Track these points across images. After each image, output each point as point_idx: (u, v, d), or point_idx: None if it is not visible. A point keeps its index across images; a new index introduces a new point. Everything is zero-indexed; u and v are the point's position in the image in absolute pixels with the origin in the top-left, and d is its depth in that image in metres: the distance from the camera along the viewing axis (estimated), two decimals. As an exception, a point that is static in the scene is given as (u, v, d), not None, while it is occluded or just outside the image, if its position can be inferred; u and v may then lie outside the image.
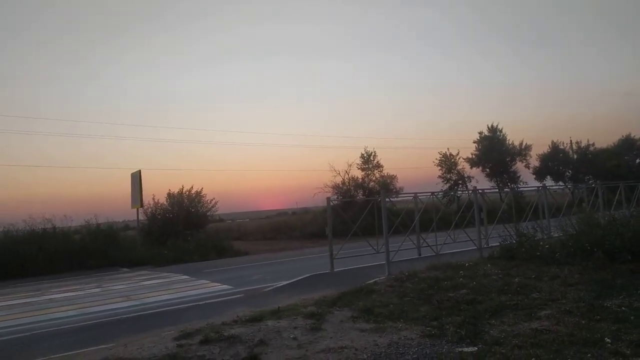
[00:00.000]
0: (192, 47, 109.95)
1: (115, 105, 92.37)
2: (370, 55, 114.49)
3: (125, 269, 17.93)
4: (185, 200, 25.06)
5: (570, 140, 42.39)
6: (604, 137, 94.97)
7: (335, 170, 32.55)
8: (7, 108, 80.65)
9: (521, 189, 30.68)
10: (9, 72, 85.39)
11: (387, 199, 11.41)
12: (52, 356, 6.09)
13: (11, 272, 17.03)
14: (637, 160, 42.46)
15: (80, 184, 77.41)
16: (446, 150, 37.45)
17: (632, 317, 5.14)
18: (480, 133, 38.88)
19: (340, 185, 32.17)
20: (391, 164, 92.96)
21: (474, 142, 38.94)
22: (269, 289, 10.48)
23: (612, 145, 43.10)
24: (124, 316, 8.75)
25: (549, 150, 41.05)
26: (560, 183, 38.71)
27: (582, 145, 41.66)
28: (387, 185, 31.49)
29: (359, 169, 33.41)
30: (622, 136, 43.52)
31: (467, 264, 9.68)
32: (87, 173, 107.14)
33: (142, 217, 23.47)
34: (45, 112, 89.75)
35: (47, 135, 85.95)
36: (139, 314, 8.91)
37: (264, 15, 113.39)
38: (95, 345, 6.45)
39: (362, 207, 22.58)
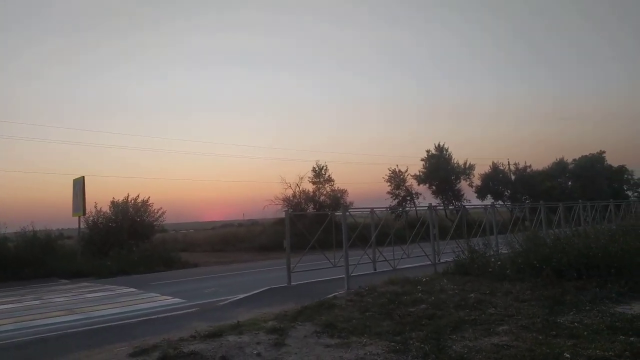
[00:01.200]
0: (145, 52, 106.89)
1: (57, 108, 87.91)
2: (323, 69, 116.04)
3: (64, 280, 16.86)
4: (131, 209, 24.10)
5: (509, 162, 44.81)
6: (539, 159, 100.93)
7: (287, 183, 32.49)
8: None
9: (470, 206, 31.98)
10: None
11: (347, 213, 11.48)
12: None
13: None
14: (570, 183, 45.44)
15: (15, 189, 72.63)
16: (395, 166, 38.44)
17: (585, 333, 5.41)
18: (428, 151, 40.30)
19: (291, 198, 32.09)
20: (341, 178, 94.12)
21: (422, 160, 40.29)
22: (224, 302, 10.19)
23: (547, 167, 45.94)
24: (69, 331, 8.16)
25: (490, 170, 43.12)
26: (500, 202, 40.66)
27: (520, 166, 44.16)
28: (338, 200, 31.77)
29: (310, 182, 33.54)
30: (556, 159, 46.59)
31: (424, 279, 9.89)
32: (24, 177, 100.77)
33: (83, 225, 22.29)
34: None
35: (-23, 135, 79.96)
36: (86, 328, 8.35)
37: (218, 25, 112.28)
38: (40, 363, 6.00)
39: (313, 220, 22.84)
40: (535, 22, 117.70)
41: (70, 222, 22.81)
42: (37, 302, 11.84)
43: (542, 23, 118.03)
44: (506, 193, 43.04)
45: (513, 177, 43.80)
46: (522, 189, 42.35)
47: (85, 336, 7.72)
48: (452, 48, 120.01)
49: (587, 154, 46.65)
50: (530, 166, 44.20)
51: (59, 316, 9.69)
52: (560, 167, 45.79)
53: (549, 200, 24.46)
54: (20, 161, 72.92)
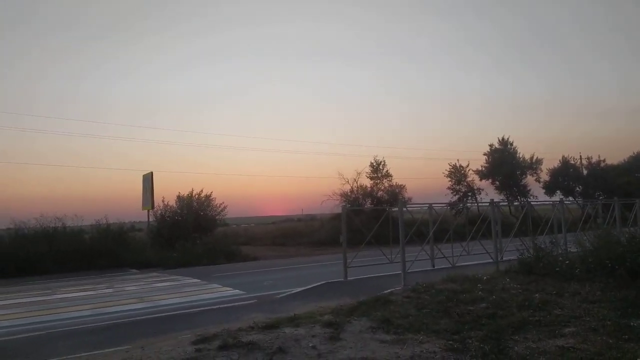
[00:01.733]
0: (208, 48, 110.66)
1: (129, 107, 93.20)
2: (382, 63, 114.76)
3: (134, 270, 17.92)
4: (195, 204, 25.11)
5: (580, 156, 42.17)
6: (614, 154, 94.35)
7: (344, 178, 32.49)
8: (27, 106, 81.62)
9: (536, 202, 30.54)
10: (32, 70, 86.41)
11: (404, 209, 11.32)
12: (68, 356, 6.07)
13: (21, 269, 17.09)
14: (648, 178, 42.11)
15: (92, 184, 77.95)
16: (456, 161, 37.35)
17: (662, 338, 5.04)
18: (491, 145, 38.77)
19: (349, 194, 32.06)
20: (400, 173, 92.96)
21: (484, 155, 38.83)
22: (282, 295, 10.41)
23: (623, 161, 42.79)
24: (139, 318, 8.70)
25: (560, 165, 40.83)
26: (570, 198, 38.44)
27: (593, 161, 41.39)
28: (396, 195, 31.37)
29: (367, 177, 33.33)
30: (633, 153, 43.24)
31: (484, 277, 9.57)
32: (99, 173, 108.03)
33: (151, 219, 23.51)
34: (62, 111, 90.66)
35: (64, 135, 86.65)
36: (154, 316, 8.87)
37: (277, 15, 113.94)
38: (111, 347, 6.42)
39: (370, 215, 22.73)
40: (594, 11, 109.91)
41: (140, 215, 24.14)
42: (110, 290, 12.69)
43: (599, 10, 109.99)
44: (577, 189, 40.56)
45: (585, 172, 41.24)
46: (595, 185, 39.71)
47: (153, 323, 8.18)
48: (521, 39, 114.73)
49: (669, 146, 43.05)
50: (604, 160, 41.31)
51: (129, 304, 10.33)
52: (638, 161, 42.49)
53: (625, 197, 22.82)
54: (95, 158, 78.12)
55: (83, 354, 6.13)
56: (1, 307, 10.50)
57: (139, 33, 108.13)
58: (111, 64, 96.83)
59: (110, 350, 6.23)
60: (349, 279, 11.83)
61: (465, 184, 37.10)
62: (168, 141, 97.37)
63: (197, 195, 25.43)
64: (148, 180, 22.28)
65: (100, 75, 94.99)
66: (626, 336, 5.23)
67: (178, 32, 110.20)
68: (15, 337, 7.61)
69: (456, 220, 20.85)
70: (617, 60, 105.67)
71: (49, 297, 11.80)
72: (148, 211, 22.47)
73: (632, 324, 5.74)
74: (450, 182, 37.13)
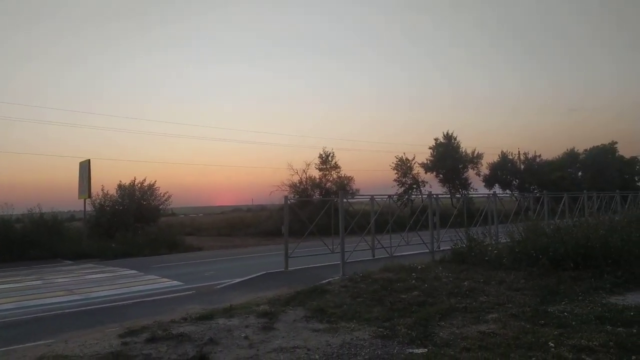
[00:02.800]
0: (152, 35, 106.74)
1: (66, 91, 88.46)
2: (333, 55, 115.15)
3: (69, 262, 17.08)
4: (137, 193, 24.26)
5: (519, 151, 44.22)
6: (549, 150, 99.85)
7: (293, 169, 32.46)
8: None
9: (472, 195, 31.72)
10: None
11: (344, 200, 11.44)
12: (-18, 353, 5.70)
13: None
14: (580, 173, 44.83)
15: (23, 171, 73.57)
16: (402, 154, 38.19)
17: (573, 323, 5.38)
18: (436, 140, 39.89)
19: (298, 184, 32.07)
20: (349, 165, 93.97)
21: (430, 148, 39.92)
22: (221, 286, 10.27)
23: (557, 157, 45.30)
24: (66, 311, 8.29)
25: (499, 159, 42.61)
26: (508, 191, 40.28)
27: (530, 156, 43.53)
28: (344, 186, 31.69)
29: (317, 168, 33.47)
30: (567, 149, 45.89)
31: (419, 267, 9.87)
32: (32, 160, 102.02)
33: (89, 208, 22.51)
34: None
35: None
36: (82, 309, 8.48)
37: (227, 8, 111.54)
38: (33, 341, 6.08)
39: (319, 206, 22.77)
40: (549, 12, 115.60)
41: (78, 204, 23.03)
42: (39, 282, 12.03)
43: (556, 12, 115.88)
44: (514, 183, 42.58)
45: (522, 166, 43.33)
46: (530, 179, 41.86)
47: (81, 316, 7.84)
48: (469, 36, 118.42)
49: (599, 145, 45.93)
50: (540, 156, 43.54)
51: (58, 296, 9.84)
52: (570, 157, 45.13)
53: (558, 191, 24.19)
54: (28, 143, 73.76)
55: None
56: None
57: (82, 17, 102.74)
58: (51, 48, 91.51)
59: (30, 344, 5.91)
60: (289, 269, 11.85)
61: (411, 176, 38.03)
62: (110, 128, 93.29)
63: (139, 184, 24.56)
64: (85, 167, 21.23)
65: (39, 59, 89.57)
66: (542, 321, 5.55)
67: (126, 17, 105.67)
68: None
69: (402, 211, 21.35)
70: (551, 60, 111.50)
71: (-30, 291, 11.04)
72: (85, 200, 21.47)
73: (549, 309, 6.10)
74: (396, 175, 37.97)
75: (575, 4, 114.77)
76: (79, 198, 21.60)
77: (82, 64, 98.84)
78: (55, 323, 7.37)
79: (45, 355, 5.11)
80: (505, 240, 11.81)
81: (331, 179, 33.27)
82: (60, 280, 12.32)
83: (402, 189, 37.47)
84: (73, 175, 22.28)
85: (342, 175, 33.40)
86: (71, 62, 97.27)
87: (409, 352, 4.74)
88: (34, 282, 11.98)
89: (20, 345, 5.91)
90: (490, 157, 45.52)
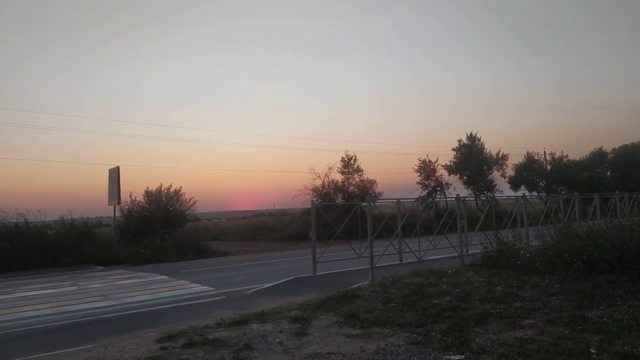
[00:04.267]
0: (177, 43, 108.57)
1: (95, 100, 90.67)
2: (355, 57, 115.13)
3: (100, 267, 17.50)
4: (164, 199, 24.66)
5: (544, 152, 43.40)
6: (576, 150, 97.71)
7: (316, 173, 32.54)
8: (-22, 97, 78.17)
9: (500, 197, 31.35)
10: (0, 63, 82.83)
11: (372, 204, 11.44)
12: (29, 357, 5.89)
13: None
14: (608, 173, 43.74)
15: (55, 178, 75.71)
16: (425, 156, 37.91)
17: (614, 328, 5.26)
18: (460, 141, 39.47)
19: (320, 188, 32.15)
20: (371, 168, 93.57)
21: (453, 150, 39.52)
22: (251, 291, 10.37)
23: (585, 157, 44.30)
24: (103, 316, 8.52)
25: (524, 160, 41.90)
26: (534, 193, 39.57)
27: (556, 156, 42.66)
28: (367, 190, 31.63)
29: (339, 172, 33.48)
30: (594, 149, 44.84)
31: (449, 271, 9.78)
32: (63, 167, 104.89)
33: (118, 214, 22.99)
34: (22, 104, 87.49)
35: (24, 128, 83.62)
36: (118, 314, 8.70)
37: (253, 9, 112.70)
38: (73, 346, 6.26)
39: (342, 210, 22.86)
40: (570, 9, 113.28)
41: (107, 210, 23.55)
42: (74, 287, 12.37)
43: (577, 10, 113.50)
44: (541, 184, 41.75)
45: (549, 167, 42.48)
46: (558, 180, 40.97)
47: (117, 322, 8.03)
48: (487, 37, 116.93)
49: (628, 144, 44.71)
50: (567, 156, 42.62)
51: (94, 302, 10.10)
52: (598, 157, 44.09)
53: (586, 192, 23.67)
54: (58, 152, 75.83)
55: (43, 354, 5.96)
56: (-43, 307, 10.11)
57: (111, 28, 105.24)
58: (80, 58, 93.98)
59: (72, 349, 6.08)
60: (317, 274, 11.89)
61: (434, 178, 37.71)
62: (137, 135, 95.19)
63: (165, 190, 24.97)
64: (114, 174, 21.74)
65: (68, 69, 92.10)
66: (581, 327, 5.44)
67: (150, 27, 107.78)
68: (-29, 338, 7.34)
69: (425, 214, 21.19)
70: (581, 59, 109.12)
71: (9, 296, 11.42)
72: (114, 207, 21.95)
73: (587, 315, 5.98)
74: (419, 177, 37.70)
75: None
76: (108, 204, 22.09)
77: (111, 72, 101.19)
78: (94, 328, 7.56)
79: (87, 360, 5.25)
80: (536, 244, 11.61)
81: (354, 182, 33.25)
82: (94, 285, 12.63)
83: (426, 191, 37.18)
84: (102, 182, 22.85)
85: (365, 178, 33.38)
86: (99, 71, 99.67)
87: (446, 359, 4.71)
88: (69, 288, 12.32)
89: (62, 351, 6.07)
90: (516, 158, 44.73)
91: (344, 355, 4.97)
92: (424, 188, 37.45)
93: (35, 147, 72.80)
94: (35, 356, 5.91)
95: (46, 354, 6.01)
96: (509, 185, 40.57)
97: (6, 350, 6.44)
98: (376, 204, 13.12)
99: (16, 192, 60.56)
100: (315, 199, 28.86)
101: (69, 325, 7.94)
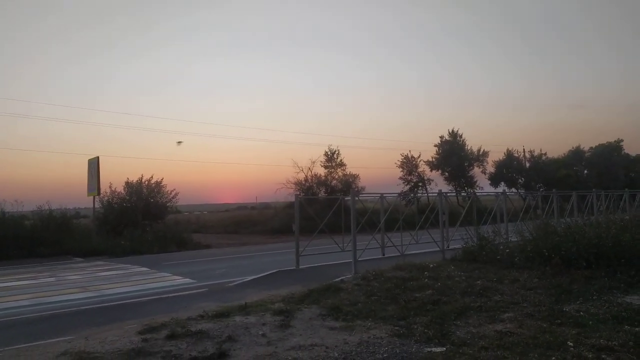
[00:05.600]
0: (156, 31, 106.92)
1: (74, 88, 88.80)
2: (338, 52, 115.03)
3: (79, 259, 17.23)
4: (145, 190, 24.33)
5: (524, 149, 44.12)
6: (555, 148, 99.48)
7: (299, 167, 32.53)
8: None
9: (481, 193, 31.75)
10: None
11: (356, 198, 11.50)
12: (9, 347, 5.77)
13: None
14: (586, 171, 44.73)
15: (32, 168, 74.01)
16: (408, 152, 38.19)
17: (590, 322, 5.40)
18: (442, 137, 39.87)
19: (303, 182, 32.17)
20: (354, 163, 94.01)
21: (435, 146, 39.91)
22: (233, 283, 10.35)
23: (563, 155, 45.20)
24: (82, 307, 8.39)
25: (504, 157, 42.54)
26: (514, 189, 40.24)
27: (535, 154, 43.43)
28: (350, 184, 31.75)
29: (322, 166, 33.52)
30: (572, 147, 45.79)
31: (431, 265, 9.90)
32: (40, 157, 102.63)
33: (97, 205, 22.63)
34: (4, 91, 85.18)
35: (3, 116, 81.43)
36: (98, 305, 8.58)
37: (229, 5, 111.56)
38: (53, 338, 6.16)
39: (325, 204, 22.90)
40: (553, 8, 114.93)
41: (86, 201, 23.18)
42: (52, 279, 12.16)
43: (560, 8, 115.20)
44: (520, 181, 42.48)
45: (528, 164, 43.23)
46: (536, 177, 41.76)
47: (97, 313, 7.93)
48: (473, 34, 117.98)
49: (605, 143, 45.75)
50: (545, 154, 43.45)
51: (72, 293, 9.94)
52: (576, 155, 45.05)
53: (564, 189, 24.17)
54: (37, 141, 74.19)
55: (21, 345, 5.86)
56: None
57: (87, 13, 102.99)
58: (59, 46, 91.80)
59: (52, 340, 5.99)
60: (301, 267, 11.92)
61: (416, 174, 38.07)
62: (117, 125, 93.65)
63: (147, 182, 24.63)
64: (94, 165, 21.37)
65: (46, 56, 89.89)
66: (559, 321, 5.57)
67: (130, 12, 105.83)
68: (-54, 329, 7.17)
69: (407, 209, 21.36)
70: (556, 56, 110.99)
71: (-15, 287, 11.18)
72: (94, 197, 21.61)
73: (564, 309, 6.13)
74: (402, 173, 38.00)
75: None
76: (88, 195, 21.74)
77: (89, 61, 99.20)
78: (73, 320, 7.46)
79: (67, 352, 5.17)
80: (515, 239, 11.83)
81: (337, 176, 33.35)
82: (72, 277, 12.44)
83: (408, 186, 37.50)
84: (81, 172, 22.46)
85: (348, 173, 33.49)
86: (78, 59, 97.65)
87: (428, 351, 4.77)
88: (47, 279, 12.10)
89: (41, 342, 5.97)
90: (496, 155, 45.45)
91: (327, 347, 5.00)
92: (406, 183, 37.81)
93: (12, 136, 71.06)
94: (15, 347, 5.80)
95: (27, 344, 5.90)
96: (489, 181, 41.25)
97: (-16, 341, 6.31)
98: (359, 198, 13.17)
99: (-9, 181, 59.13)
100: (299, 193, 28.87)
101: (48, 316, 7.81)
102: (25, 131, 75.67)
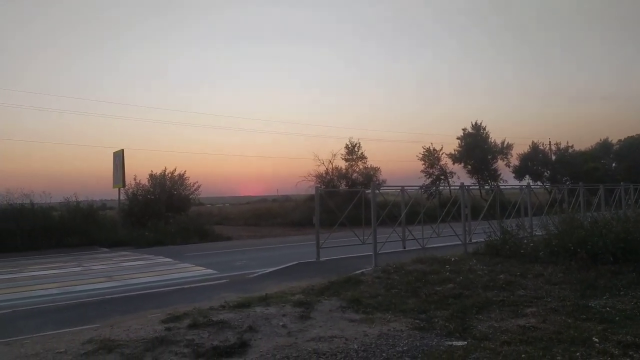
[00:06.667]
0: (184, 27, 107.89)
1: (101, 82, 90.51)
2: (357, 44, 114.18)
3: (105, 249, 17.66)
4: (168, 182, 24.76)
5: (550, 142, 43.18)
6: (582, 140, 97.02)
7: (319, 160, 32.52)
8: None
9: (504, 186, 31.25)
10: (3, 46, 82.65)
11: (376, 191, 11.44)
12: (37, 334, 5.95)
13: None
14: (614, 164, 43.48)
15: (60, 160, 75.94)
16: (430, 145, 37.81)
17: (617, 318, 5.28)
18: (464, 130, 39.35)
19: (324, 175, 32.16)
20: (375, 155, 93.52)
21: (458, 139, 39.45)
22: (254, 275, 10.45)
23: (590, 148, 44.03)
24: (108, 297, 8.60)
25: (529, 150, 41.73)
26: (539, 183, 39.46)
27: (561, 146, 42.44)
28: (371, 177, 31.60)
29: (343, 159, 33.44)
30: (600, 140, 44.55)
31: (452, 259, 9.81)
32: (68, 149, 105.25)
33: (123, 197, 23.10)
34: (28, 85, 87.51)
35: (29, 109, 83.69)
36: (123, 295, 8.78)
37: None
38: (80, 325, 6.33)
39: (345, 197, 22.85)
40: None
41: (111, 193, 23.71)
42: (79, 268, 12.50)
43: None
44: (546, 174, 41.62)
45: (554, 157, 42.30)
46: (562, 170, 40.83)
47: (122, 302, 8.12)
48: (493, 24, 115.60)
49: (634, 135, 44.34)
50: (572, 146, 42.41)
51: (98, 282, 10.21)
52: (604, 148, 43.81)
53: (591, 182, 23.56)
54: (64, 133, 76.01)
55: (50, 332, 6.05)
56: (-35, 285, 10.24)
57: (115, 8, 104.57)
58: (86, 41, 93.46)
59: (78, 328, 6.15)
60: (321, 259, 11.95)
61: (439, 167, 37.67)
62: (142, 119, 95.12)
63: (170, 174, 25.05)
64: (119, 157, 21.80)
65: (72, 52, 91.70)
66: (584, 316, 5.46)
67: (153, 10, 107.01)
68: (-20, 315, 7.45)
69: (428, 202, 21.16)
70: (587, 48, 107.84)
71: (17, 275, 11.59)
72: (119, 189, 22.05)
73: (590, 304, 6.00)
74: (423, 166, 37.65)
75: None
76: (113, 187, 22.20)
77: (119, 55, 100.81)
78: (99, 308, 7.65)
79: (93, 339, 5.31)
80: (540, 233, 11.61)
81: (357, 169, 33.23)
82: (98, 267, 12.76)
83: (430, 180, 37.16)
84: (107, 165, 22.95)
85: (369, 166, 33.34)
86: (106, 53, 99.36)
87: (449, 345, 4.74)
88: (74, 269, 12.45)
89: (68, 329, 6.15)
90: (521, 147, 44.55)
91: (347, 339, 5.01)
92: (427, 176, 37.44)
93: (41, 129, 72.92)
94: (44, 334, 5.98)
95: (55, 331, 6.10)
96: (514, 174, 40.55)
97: (16, 327, 6.53)
98: (380, 191, 13.09)
99: (22, 174, 60.99)
100: (319, 186, 28.89)
101: (75, 304, 8.03)
102: (53, 124, 77.61)
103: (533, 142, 42.05)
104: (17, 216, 18.33)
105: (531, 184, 22.84)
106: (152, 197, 23.98)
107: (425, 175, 37.47)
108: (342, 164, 33.18)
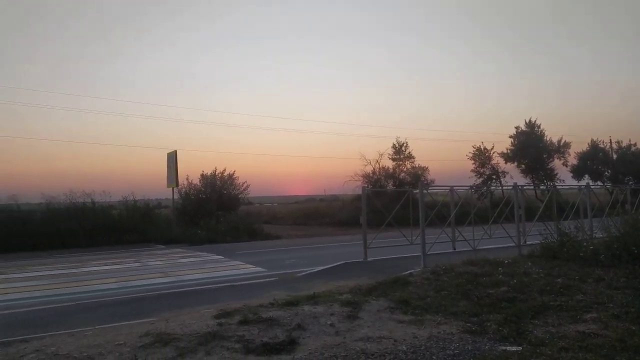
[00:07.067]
0: (231, 31, 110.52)
1: (157, 86, 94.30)
2: (406, 42, 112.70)
3: (160, 246, 18.40)
4: (218, 182, 25.44)
5: (610, 140, 40.90)
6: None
7: (366, 159, 32.39)
8: (54, 85, 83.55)
9: (562, 186, 29.91)
10: (65, 52, 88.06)
11: (424, 191, 11.26)
12: (96, 327, 6.28)
13: (52, 244, 17.79)
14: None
15: (119, 161, 79.81)
16: (480, 143, 36.76)
17: (686, 326, 4.94)
18: (517, 128, 37.99)
19: (371, 175, 32.03)
20: (423, 155, 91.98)
21: (510, 137, 38.10)
22: (302, 273, 10.55)
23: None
24: (163, 292, 8.96)
25: (588, 148, 39.77)
26: (599, 183, 37.50)
27: (623, 145, 40.12)
28: (419, 177, 31.16)
29: (390, 159, 33.16)
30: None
31: (505, 261, 9.48)
32: (126, 151, 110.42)
33: (176, 196, 23.94)
34: (90, 90, 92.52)
35: (91, 113, 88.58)
36: (177, 290, 9.12)
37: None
38: (137, 319, 6.63)
39: (392, 197, 22.69)
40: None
41: (166, 193, 24.62)
42: (137, 264, 13.10)
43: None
44: (606, 173, 39.50)
45: (615, 156, 40.02)
46: (624, 170, 38.57)
47: (177, 297, 8.42)
48: (548, 20, 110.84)
49: None
50: (635, 144, 39.97)
51: (154, 278, 10.66)
52: (670, 145, 40.97)
53: (656, 182, 22.15)
54: (121, 136, 79.74)
55: (109, 325, 6.36)
56: (33, 279, 10.98)
57: (159, 14, 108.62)
58: (135, 45, 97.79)
59: (136, 321, 6.44)
60: (368, 259, 11.90)
61: (490, 166, 36.57)
62: (193, 120, 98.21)
63: (220, 174, 25.74)
64: (172, 158, 22.62)
65: (126, 55, 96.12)
66: (649, 324, 5.14)
67: (199, 12, 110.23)
68: (46, 307, 7.94)
69: (479, 203, 20.60)
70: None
71: (78, 270, 12.25)
72: (173, 189, 22.88)
73: (656, 311, 5.64)
74: (474, 165, 36.67)
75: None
76: (167, 187, 23.05)
77: (169, 58, 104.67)
78: (154, 302, 7.98)
79: (150, 332, 5.53)
80: (600, 236, 11.03)
81: (405, 169, 32.88)
82: (154, 263, 13.32)
83: (480, 179, 36.14)
84: (161, 165, 23.87)
85: (417, 165, 32.87)
86: (157, 57, 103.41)
87: (502, 350, 4.59)
88: (132, 264, 13.06)
89: (126, 322, 6.46)
90: (578, 146, 42.47)
91: (395, 341, 4.96)
92: (478, 176, 36.42)
93: (101, 132, 76.91)
94: (104, 326, 6.31)
95: (113, 324, 6.41)
96: (572, 174, 38.74)
97: (77, 320, 6.91)
98: (428, 191, 12.87)
99: (83, 174, 64.61)
100: (366, 185, 28.77)
101: (132, 299, 8.41)
102: (110, 127, 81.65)
103: (592, 140, 40.07)
104: (79, 215, 19.37)
105: (591, 183, 21.77)
106: (204, 196, 24.73)
107: (475, 175, 36.55)
108: (389, 164, 32.98)
